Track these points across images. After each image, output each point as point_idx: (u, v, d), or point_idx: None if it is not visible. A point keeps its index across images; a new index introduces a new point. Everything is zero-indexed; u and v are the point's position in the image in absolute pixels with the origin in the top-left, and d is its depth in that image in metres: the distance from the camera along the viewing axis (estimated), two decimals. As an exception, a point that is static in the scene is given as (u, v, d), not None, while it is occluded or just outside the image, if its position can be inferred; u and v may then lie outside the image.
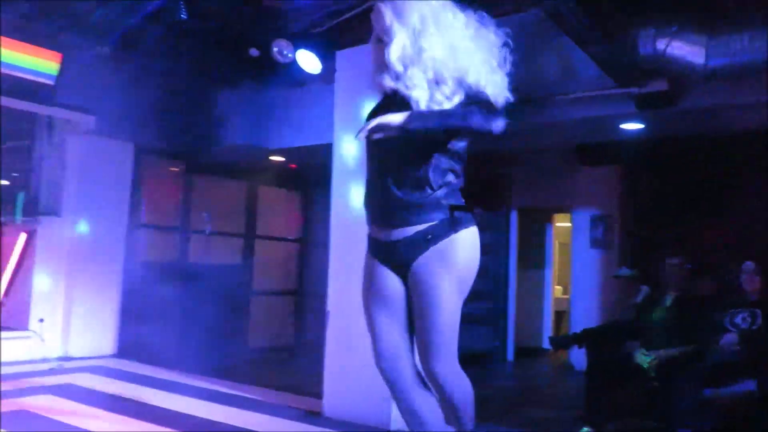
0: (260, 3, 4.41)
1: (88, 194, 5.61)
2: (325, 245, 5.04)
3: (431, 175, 2.04)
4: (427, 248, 2.03)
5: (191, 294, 5.97)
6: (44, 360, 5.30)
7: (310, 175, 6.92)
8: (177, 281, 5.98)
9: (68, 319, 5.54)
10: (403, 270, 2.09)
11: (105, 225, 5.71)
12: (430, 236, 2.04)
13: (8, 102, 5.14)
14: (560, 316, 8.11)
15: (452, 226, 2.05)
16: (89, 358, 5.51)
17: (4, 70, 4.82)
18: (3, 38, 4.77)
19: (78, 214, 5.59)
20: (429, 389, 2.14)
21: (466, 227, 2.07)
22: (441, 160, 2.06)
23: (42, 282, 5.57)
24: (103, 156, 5.71)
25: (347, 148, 4.52)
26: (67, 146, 5.71)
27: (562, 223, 8.36)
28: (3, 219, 5.64)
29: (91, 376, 4.85)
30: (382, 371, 2.14)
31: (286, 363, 6.59)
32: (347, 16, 4.09)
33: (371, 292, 2.16)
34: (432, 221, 2.04)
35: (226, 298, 5.97)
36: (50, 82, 5.05)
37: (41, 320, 5.47)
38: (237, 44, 4.99)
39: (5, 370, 4.70)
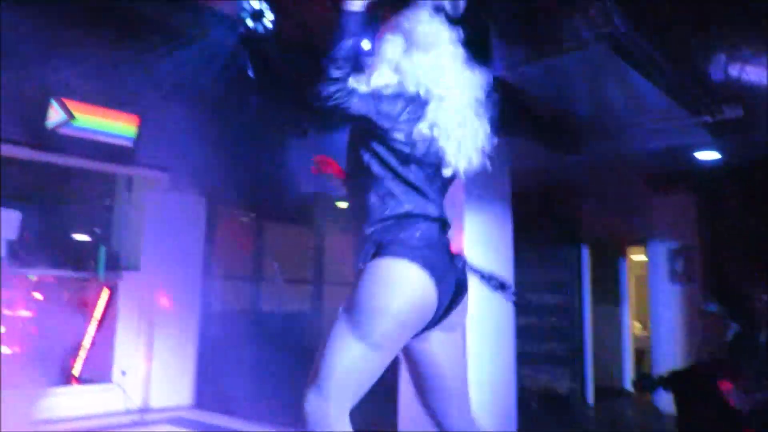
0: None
1: (165, 248, 5.80)
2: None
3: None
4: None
5: (264, 342, 6.04)
6: (127, 412, 5.42)
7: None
8: (250, 330, 6.07)
9: (149, 371, 5.68)
10: None
11: (181, 277, 5.89)
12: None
13: (89, 164, 5.43)
14: (641, 354, 7.75)
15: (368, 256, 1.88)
16: (169, 409, 5.61)
17: (85, 134, 5.12)
18: (83, 104, 5.08)
19: (156, 268, 5.78)
20: None
21: (382, 256, 1.85)
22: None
23: (124, 335, 5.75)
24: (178, 210, 5.93)
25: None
26: (144, 203, 5.95)
27: (636, 256, 8.07)
28: (87, 274, 5.89)
29: (170, 428, 4.93)
30: None
31: (359, 409, 6.52)
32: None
33: None
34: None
35: (298, 346, 6.01)
36: (129, 143, 5.32)
37: (124, 373, 5.63)
38: (304, 95, 5.12)
39: (89, 422, 4.86)
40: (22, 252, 5.56)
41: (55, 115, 4.92)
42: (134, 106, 5.30)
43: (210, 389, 5.81)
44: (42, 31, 4.31)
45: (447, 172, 1.99)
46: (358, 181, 1.98)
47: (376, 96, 1.92)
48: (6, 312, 5.35)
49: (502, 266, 4.63)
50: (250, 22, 3.75)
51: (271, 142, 5.99)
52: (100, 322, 5.91)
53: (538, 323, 6.74)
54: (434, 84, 1.99)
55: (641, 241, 6.93)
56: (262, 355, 5.95)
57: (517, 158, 4.67)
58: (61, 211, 5.96)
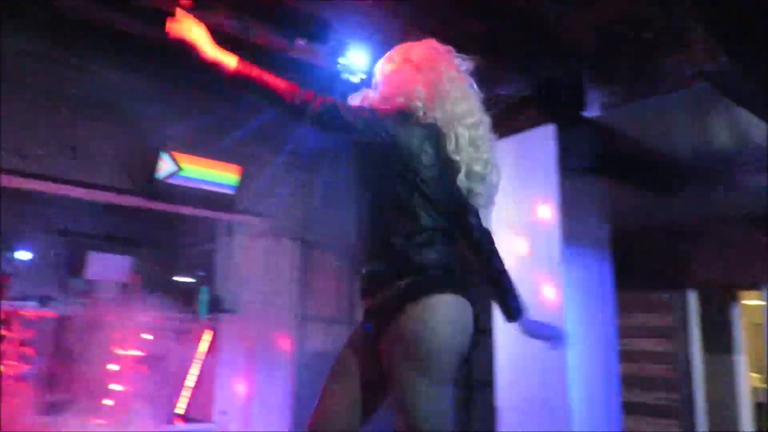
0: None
1: (262, 291, 5.99)
2: (483, 331, 4.94)
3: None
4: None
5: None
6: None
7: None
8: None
9: (248, 412, 5.81)
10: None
11: (278, 320, 6.05)
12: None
13: (194, 211, 5.74)
14: (761, 408, 7.13)
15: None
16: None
17: (191, 184, 5.43)
18: (190, 156, 5.40)
19: (254, 311, 5.96)
20: None
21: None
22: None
23: (224, 376, 5.94)
24: (275, 254, 6.12)
25: (504, 231, 4.48)
26: (243, 247, 6.19)
27: (751, 300, 7.51)
28: (191, 316, 6.16)
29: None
30: None
31: None
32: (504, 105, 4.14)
33: None
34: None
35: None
36: (231, 192, 5.60)
37: (224, 412, 5.80)
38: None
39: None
40: (132, 294, 5.91)
41: (164, 166, 5.26)
42: (236, 156, 5.58)
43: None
44: (154, 92, 4.66)
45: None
46: (381, 199, 1.98)
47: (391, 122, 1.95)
48: (119, 351, 5.67)
49: (603, 311, 4.44)
50: (346, 76, 3.90)
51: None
52: (203, 362, 6.14)
53: (642, 371, 6.39)
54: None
55: (756, 285, 6.45)
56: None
57: (615, 200, 4.52)
58: (167, 255, 6.30)
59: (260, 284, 6.02)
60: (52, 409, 5.82)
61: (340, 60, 3.92)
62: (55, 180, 4.94)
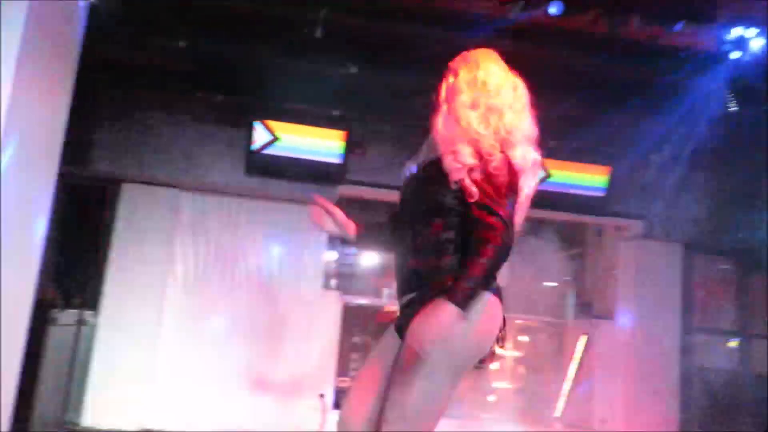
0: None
1: (640, 297, 5.68)
2: None
3: None
4: None
5: (756, 409, 5.29)
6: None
7: None
8: (738, 393, 5.40)
9: (629, 424, 5.54)
10: None
11: (658, 328, 5.65)
12: None
13: (562, 216, 5.75)
14: None
15: None
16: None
17: (560, 189, 5.44)
18: (556, 161, 5.42)
19: (631, 317, 5.68)
20: None
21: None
22: None
23: (602, 383, 5.78)
24: (653, 258, 5.75)
25: None
26: (617, 251, 5.95)
27: None
28: (561, 321, 6.17)
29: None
30: None
31: None
32: None
33: None
34: None
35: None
36: (600, 194, 5.46)
37: (603, 420, 5.65)
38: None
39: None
40: (506, 297, 6.19)
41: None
42: (606, 157, 5.42)
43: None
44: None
45: None
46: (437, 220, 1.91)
47: None
48: (500, 350, 6.01)
49: None
50: (735, 54, 3.46)
51: (756, 180, 5.35)
52: (579, 368, 6.08)
53: None
54: None
55: None
56: (754, 420, 5.22)
57: None
58: (536, 260, 6.39)
59: (636, 290, 5.70)
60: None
61: (727, 38, 3.48)
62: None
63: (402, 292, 1.99)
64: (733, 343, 5.43)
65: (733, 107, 3.96)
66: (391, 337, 1.98)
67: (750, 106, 4.00)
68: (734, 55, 3.49)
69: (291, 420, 5.13)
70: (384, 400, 1.88)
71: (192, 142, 5.16)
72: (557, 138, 5.24)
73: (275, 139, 5.10)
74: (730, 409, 5.22)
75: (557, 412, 6.10)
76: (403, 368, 1.82)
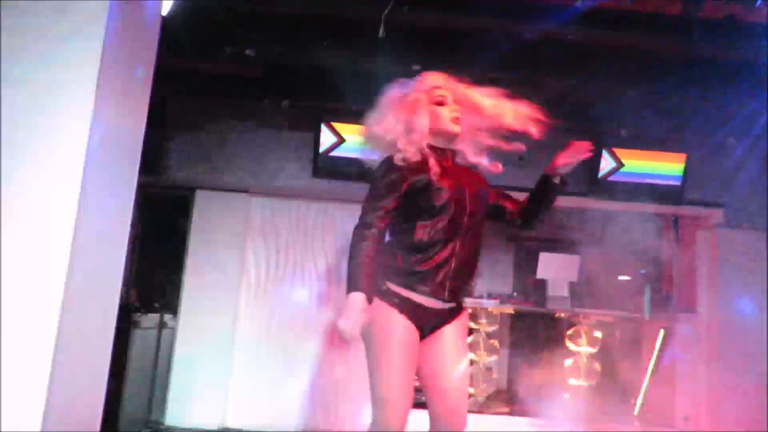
0: None
1: (722, 288, 5.44)
2: None
3: None
4: None
5: None
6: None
7: None
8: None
9: (714, 419, 5.32)
10: None
11: (742, 320, 5.39)
12: None
13: (637, 207, 5.56)
14: None
15: None
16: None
17: (633, 179, 5.28)
18: (630, 150, 5.27)
19: (713, 310, 5.46)
20: None
21: None
22: None
23: (684, 380, 5.56)
24: (734, 247, 5.50)
25: None
26: (696, 242, 5.72)
27: None
28: (637, 315, 5.97)
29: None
30: None
31: None
32: None
33: None
34: None
35: None
36: (677, 183, 5.26)
37: (686, 418, 5.44)
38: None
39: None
40: (580, 293, 6.05)
41: (606, 164, 5.26)
42: (681, 144, 5.23)
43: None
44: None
45: None
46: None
47: None
48: (572, 347, 5.87)
49: None
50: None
51: None
52: (657, 363, 5.88)
53: None
54: None
55: None
56: None
57: None
58: (613, 253, 6.21)
59: (718, 281, 5.46)
60: (511, 396, 6.37)
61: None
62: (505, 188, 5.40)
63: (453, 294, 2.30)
64: None
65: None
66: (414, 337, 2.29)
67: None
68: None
69: (365, 419, 5.18)
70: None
71: (261, 148, 5.29)
72: (631, 126, 5.10)
73: (341, 140, 5.17)
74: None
75: (636, 410, 5.91)
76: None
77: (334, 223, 5.48)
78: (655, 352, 5.89)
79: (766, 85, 4.20)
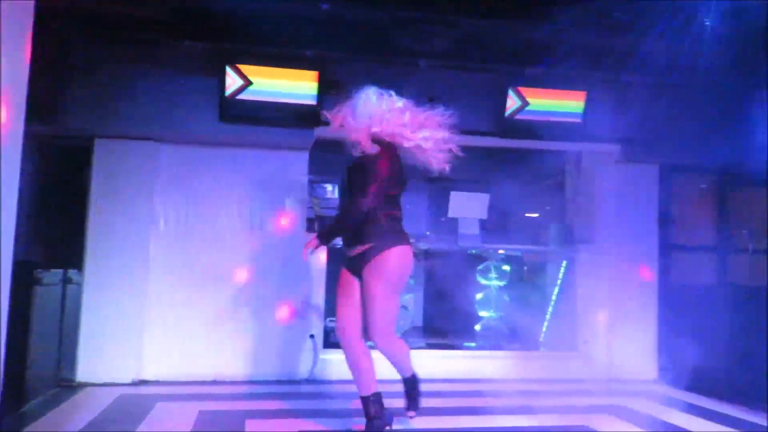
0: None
1: (618, 220, 5.79)
2: None
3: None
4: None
5: (733, 319, 5.52)
6: (592, 381, 5.55)
7: None
8: (717, 304, 5.60)
9: (610, 343, 5.75)
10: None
11: (638, 249, 5.81)
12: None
13: (541, 145, 5.77)
14: None
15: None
16: (633, 382, 5.56)
17: (537, 117, 5.46)
18: (535, 89, 5.43)
19: (610, 241, 5.81)
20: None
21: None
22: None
23: (584, 307, 5.95)
24: (629, 181, 5.84)
25: None
26: (595, 177, 6.02)
27: None
28: (544, 249, 6.28)
29: (637, 400, 4.89)
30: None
31: None
32: None
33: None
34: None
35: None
36: (578, 120, 5.48)
37: (585, 341, 5.85)
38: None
39: (557, 386, 5.20)
40: (490, 229, 6.27)
41: (511, 103, 5.40)
42: (581, 83, 5.42)
43: (673, 364, 5.59)
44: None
45: None
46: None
47: None
48: (482, 281, 6.13)
49: None
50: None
51: (731, 96, 5.40)
52: (560, 293, 6.25)
53: None
54: None
55: None
56: (730, 329, 5.46)
57: None
58: (518, 190, 6.44)
59: (616, 213, 5.81)
60: (427, 331, 6.62)
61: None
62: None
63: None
64: None
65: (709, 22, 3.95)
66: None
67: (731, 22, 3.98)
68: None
69: (284, 361, 5.25)
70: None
71: (166, 93, 5.04)
72: (533, 65, 5.23)
73: (248, 83, 5.02)
74: (706, 320, 5.42)
75: (541, 337, 6.30)
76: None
77: (245, 169, 5.37)
78: (558, 282, 6.25)
79: (660, 25, 4.40)
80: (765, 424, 4.25)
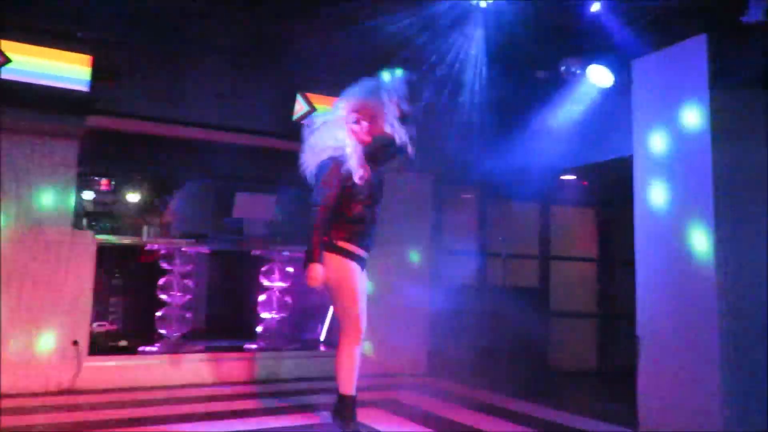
0: (550, 24, 4.44)
1: (396, 225, 6.14)
2: (625, 264, 4.84)
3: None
4: None
5: (492, 316, 6.19)
6: (365, 375, 5.77)
7: (603, 191, 6.76)
8: (478, 303, 6.23)
9: (386, 339, 6.08)
10: None
11: (413, 251, 6.23)
12: None
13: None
14: None
15: None
16: (403, 375, 5.95)
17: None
18: (323, 96, 5.54)
19: (391, 244, 6.12)
20: None
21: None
22: None
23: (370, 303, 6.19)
24: (409, 188, 6.25)
25: (649, 159, 4.27)
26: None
27: None
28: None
29: (408, 393, 5.23)
30: None
31: (591, 387, 6.36)
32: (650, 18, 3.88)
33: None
34: None
35: (524, 321, 6.02)
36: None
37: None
38: (523, 68, 5.12)
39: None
40: (276, 230, 6.27)
41: (299, 108, 5.47)
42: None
43: (441, 358, 6.10)
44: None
45: None
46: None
47: None
48: (266, 282, 6.10)
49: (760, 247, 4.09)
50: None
51: (495, 116, 6.01)
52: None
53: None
54: None
55: None
56: (489, 327, 6.12)
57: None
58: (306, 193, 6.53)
59: (391, 218, 6.14)
60: (210, 333, 6.44)
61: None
62: (206, 126, 5.32)
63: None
64: None
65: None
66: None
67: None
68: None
69: (42, 372, 4.74)
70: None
71: None
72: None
73: (6, 60, 4.47)
74: (470, 318, 6.02)
75: (322, 336, 6.45)
76: None
77: (4, 156, 4.74)
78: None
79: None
80: (504, 406, 4.81)
